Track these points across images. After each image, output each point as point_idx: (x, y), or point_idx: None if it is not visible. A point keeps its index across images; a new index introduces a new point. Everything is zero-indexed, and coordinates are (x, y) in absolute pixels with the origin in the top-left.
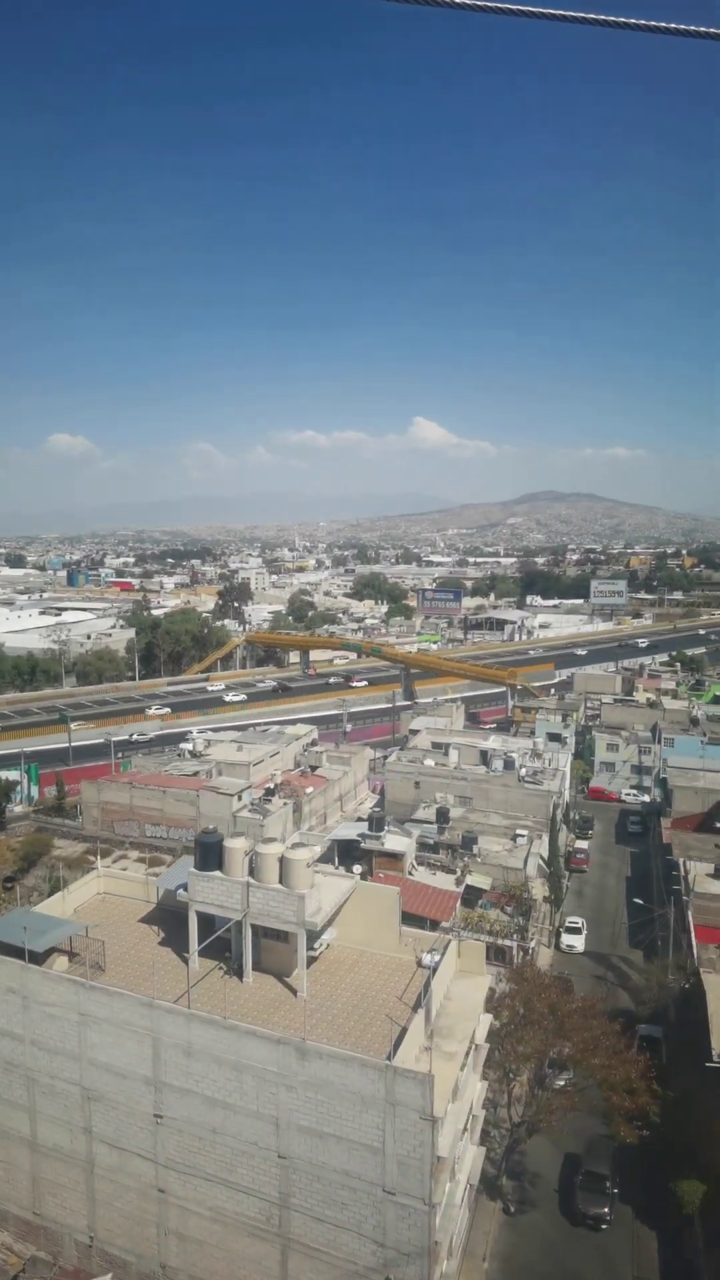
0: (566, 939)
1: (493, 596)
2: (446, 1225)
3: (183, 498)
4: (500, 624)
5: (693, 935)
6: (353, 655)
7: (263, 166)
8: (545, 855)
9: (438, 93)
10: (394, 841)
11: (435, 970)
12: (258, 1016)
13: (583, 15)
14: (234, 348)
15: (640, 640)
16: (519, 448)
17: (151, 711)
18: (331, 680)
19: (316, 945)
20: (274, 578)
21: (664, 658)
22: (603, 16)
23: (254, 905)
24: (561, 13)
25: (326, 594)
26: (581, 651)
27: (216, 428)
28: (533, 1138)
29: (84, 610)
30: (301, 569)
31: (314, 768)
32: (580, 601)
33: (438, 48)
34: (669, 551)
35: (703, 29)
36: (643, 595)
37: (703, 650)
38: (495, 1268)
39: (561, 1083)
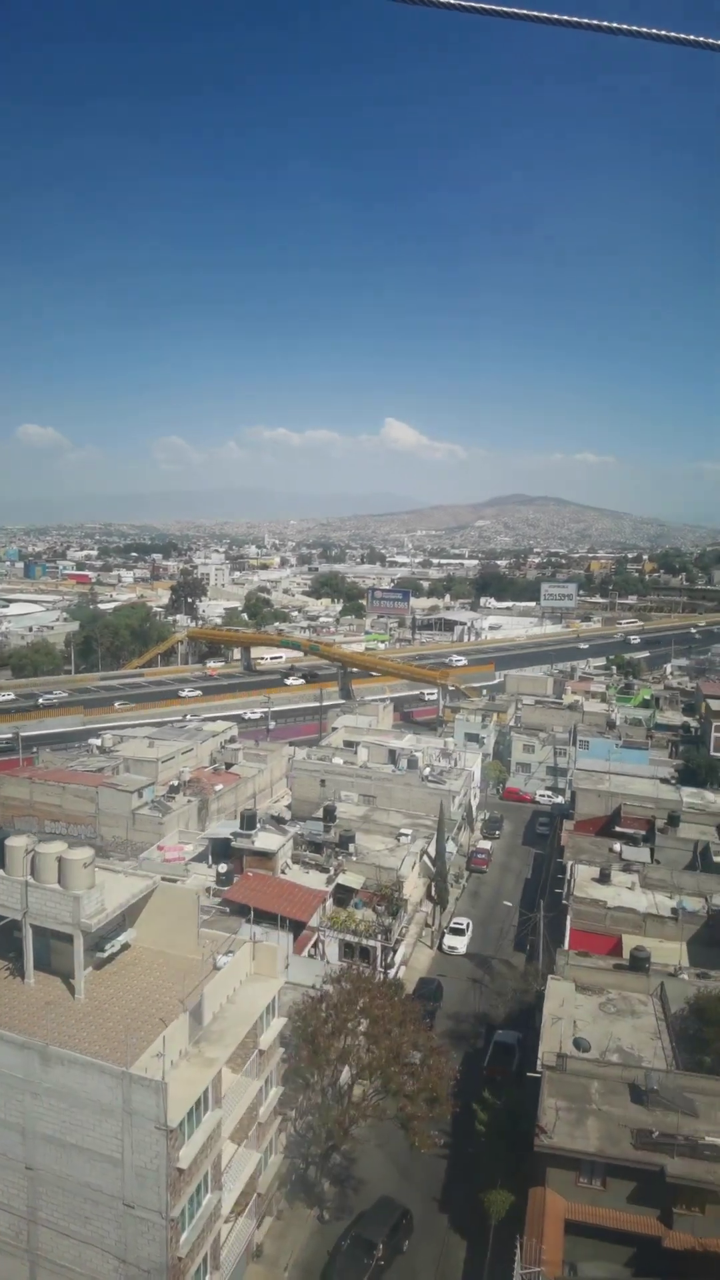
0: (449, 940)
1: (448, 597)
2: (200, 1239)
3: (153, 491)
4: (451, 625)
5: (566, 939)
6: (302, 653)
7: (246, 177)
8: (433, 855)
9: (419, 110)
10: (265, 840)
11: (216, 972)
12: (30, 1018)
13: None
14: (207, 343)
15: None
16: (489, 451)
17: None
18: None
19: (110, 946)
20: (237, 574)
21: (600, 660)
22: (595, 21)
23: (32, 905)
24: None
25: (285, 591)
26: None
27: (187, 421)
28: (347, 1146)
29: (34, 602)
30: (265, 566)
31: (229, 765)
32: (533, 604)
33: (417, 64)
34: (630, 556)
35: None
36: (596, 599)
37: (646, 654)
38: (295, 1276)
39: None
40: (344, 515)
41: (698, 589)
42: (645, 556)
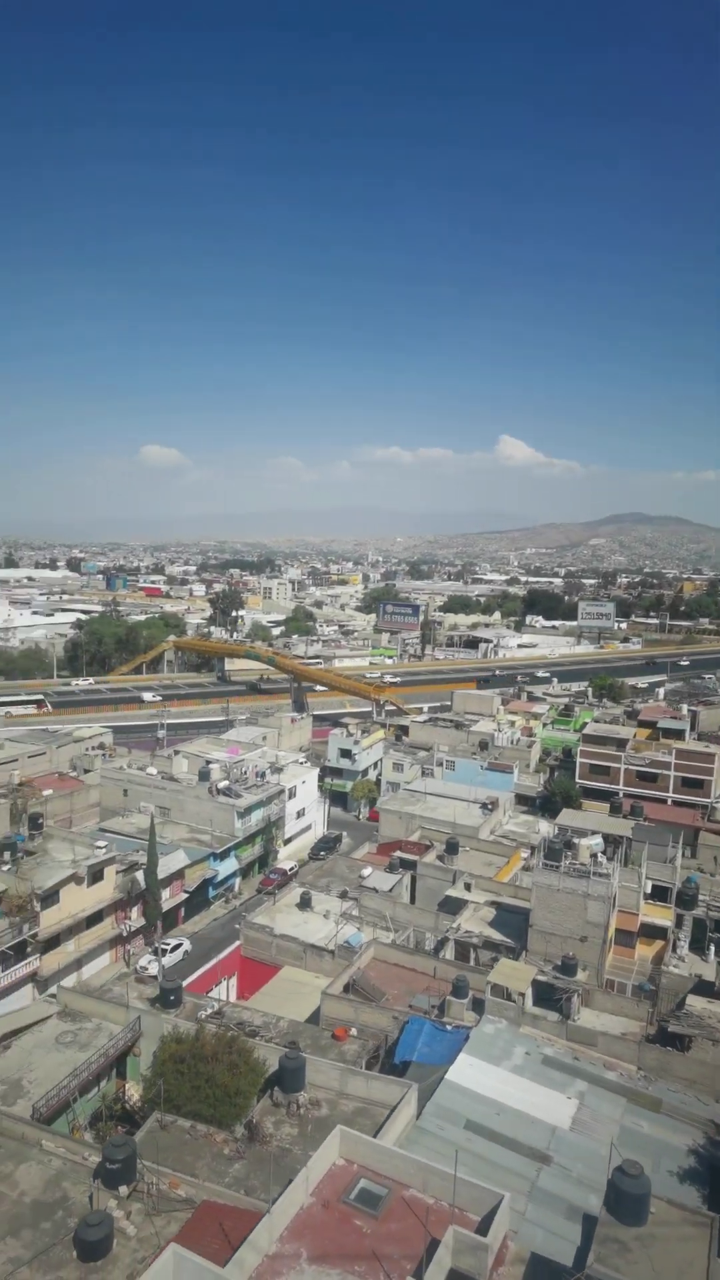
0: (145, 960)
1: (498, 615)
2: None
3: (268, 510)
4: (476, 642)
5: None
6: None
7: (351, 201)
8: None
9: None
10: None
11: None
12: None
13: None
14: (320, 366)
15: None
16: (608, 468)
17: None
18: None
19: None
20: (314, 589)
21: (569, 685)
22: None
23: None
24: None
25: (342, 607)
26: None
27: (302, 442)
28: None
29: (84, 613)
30: (345, 581)
31: (87, 771)
32: (575, 623)
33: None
34: None
35: None
36: (648, 619)
37: (663, 677)
38: None
39: None
40: (452, 533)
41: None
42: None
